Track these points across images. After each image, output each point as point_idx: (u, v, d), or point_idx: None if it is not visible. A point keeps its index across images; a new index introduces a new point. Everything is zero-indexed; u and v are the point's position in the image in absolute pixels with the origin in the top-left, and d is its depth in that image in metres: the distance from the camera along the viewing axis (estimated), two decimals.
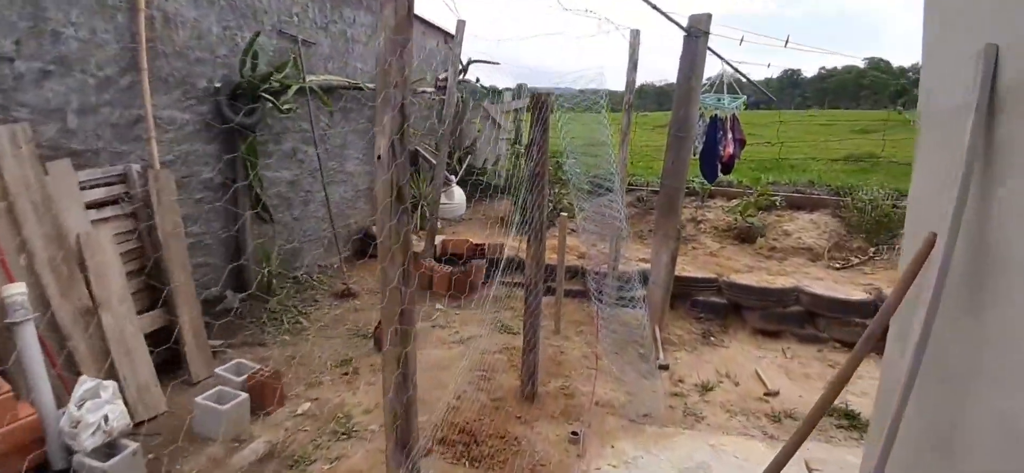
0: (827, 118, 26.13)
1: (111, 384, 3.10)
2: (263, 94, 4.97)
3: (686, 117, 4.52)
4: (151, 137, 4.13)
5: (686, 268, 5.93)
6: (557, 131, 4.45)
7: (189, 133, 4.60)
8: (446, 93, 6.33)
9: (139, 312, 3.89)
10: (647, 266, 5.70)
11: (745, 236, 7.32)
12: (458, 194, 9.00)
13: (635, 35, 5.29)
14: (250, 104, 4.88)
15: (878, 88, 63.93)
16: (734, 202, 7.95)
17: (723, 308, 5.63)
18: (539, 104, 3.28)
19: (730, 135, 5.32)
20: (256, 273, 5.23)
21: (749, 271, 6.30)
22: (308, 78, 5.74)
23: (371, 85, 7.11)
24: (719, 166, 5.48)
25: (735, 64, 5.27)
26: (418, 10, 8.12)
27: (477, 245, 6.45)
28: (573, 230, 5.55)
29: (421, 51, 8.87)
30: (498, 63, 9.88)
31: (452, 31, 10.14)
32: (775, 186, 8.64)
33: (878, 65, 66.09)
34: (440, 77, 9.47)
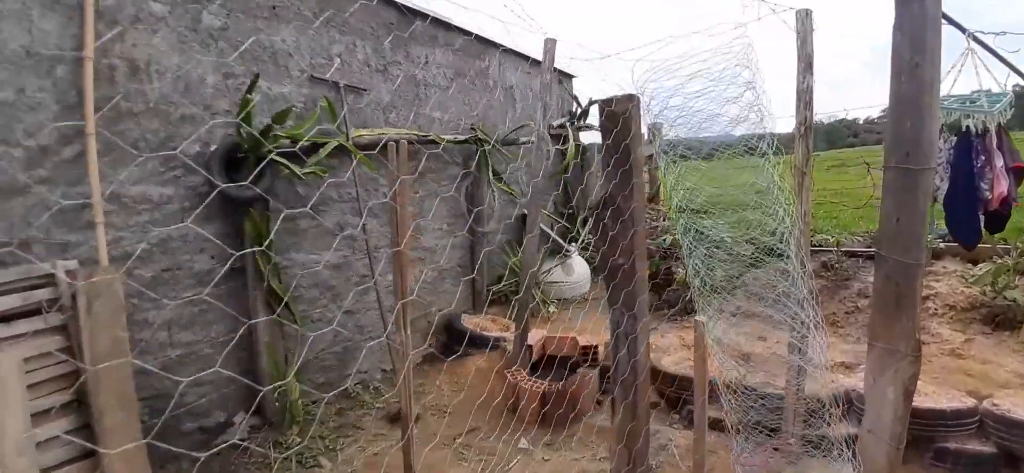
0: None
1: None
2: (278, 157, 3.79)
3: (920, 133, 2.39)
4: (99, 222, 3.03)
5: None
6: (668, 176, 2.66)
7: (173, 213, 3.49)
8: (538, 137, 4.73)
9: (62, 464, 2.74)
10: (850, 383, 3.53)
11: (1000, 320, 4.65)
12: (579, 267, 7.28)
13: (804, 18, 3.32)
14: (258, 170, 3.71)
15: None
16: (980, 267, 5.23)
17: (990, 462, 3.19)
18: (612, 119, 1.55)
19: (998, 160, 2.94)
20: (277, 390, 3.95)
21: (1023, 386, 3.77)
22: (356, 132, 4.54)
23: (452, 137, 5.79)
24: (982, 217, 3.12)
25: (981, 36, 3.00)
26: (514, 43, 6.76)
27: (588, 346, 4.56)
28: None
29: (525, 92, 7.48)
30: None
31: (568, 70, 8.71)
32: None
33: None
34: (555, 123, 7.98)
